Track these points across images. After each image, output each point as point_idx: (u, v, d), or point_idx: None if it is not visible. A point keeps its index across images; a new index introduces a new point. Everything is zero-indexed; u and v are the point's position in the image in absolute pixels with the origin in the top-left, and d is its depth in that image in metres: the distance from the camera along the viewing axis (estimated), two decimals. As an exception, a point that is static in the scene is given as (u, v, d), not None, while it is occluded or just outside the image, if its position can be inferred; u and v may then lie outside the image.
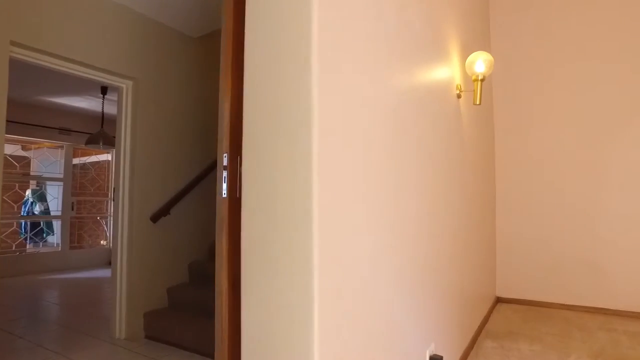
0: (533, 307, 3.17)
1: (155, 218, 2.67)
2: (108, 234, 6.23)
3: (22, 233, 5.77)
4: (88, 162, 6.33)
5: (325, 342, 0.82)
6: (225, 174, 1.10)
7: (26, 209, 5.89)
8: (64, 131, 5.47)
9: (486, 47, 3.25)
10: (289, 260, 0.81)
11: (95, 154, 6.35)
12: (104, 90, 4.40)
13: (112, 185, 6.23)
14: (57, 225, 5.78)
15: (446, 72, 1.98)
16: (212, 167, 3.03)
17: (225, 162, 1.11)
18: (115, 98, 4.55)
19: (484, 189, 2.92)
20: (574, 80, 3.12)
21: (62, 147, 5.63)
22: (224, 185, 1.10)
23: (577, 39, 3.12)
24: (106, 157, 6.42)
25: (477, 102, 2.11)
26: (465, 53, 2.37)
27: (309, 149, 0.81)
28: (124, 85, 2.63)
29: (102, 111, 4.69)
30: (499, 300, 3.36)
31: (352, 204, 0.97)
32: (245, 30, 1.01)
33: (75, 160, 5.98)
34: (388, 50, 1.24)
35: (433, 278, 1.62)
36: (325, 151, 0.85)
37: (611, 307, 2.89)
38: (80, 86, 4.37)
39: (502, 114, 3.43)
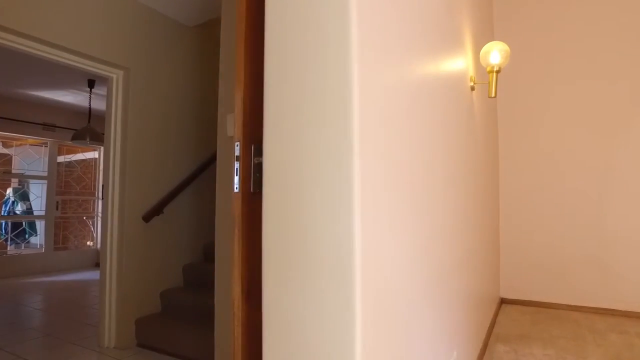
0: (539, 308, 3.10)
1: (147, 217, 2.50)
2: (95, 235, 5.98)
3: (2, 234, 5.49)
4: (74, 160, 6.07)
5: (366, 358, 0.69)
6: (237, 165, 0.96)
7: (7, 209, 5.61)
8: (48, 127, 5.22)
9: (490, 39, 3.17)
10: (326, 264, 0.68)
11: (82, 152, 6.09)
12: (91, 83, 4.19)
13: (99, 183, 5.98)
14: (40, 225, 5.52)
15: (462, 62, 1.87)
16: (208, 163, 2.87)
17: (237, 152, 0.97)
18: (103, 92, 4.35)
19: (490, 186, 2.83)
20: (578, 75, 3.06)
21: (46, 143, 5.38)
22: (236, 179, 0.96)
23: (581, 32, 3.06)
24: (93, 154, 6.16)
25: (493, 95, 2.01)
26: (475, 43, 2.27)
27: (349, 135, 0.68)
28: (114, 76, 2.46)
29: (89, 106, 4.48)
30: (503, 301, 3.28)
31: (392, 200, 0.84)
32: (266, 9, 0.87)
33: (60, 158, 5.72)
34: (419, 36, 1.11)
35: (456, 282, 1.51)
36: (366, 139, 0.72)
37: (620, 308, 2.83)
38: (65, 79, 4.15)
39: (505, 110, 3.35)
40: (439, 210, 1.28)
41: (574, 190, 3.04)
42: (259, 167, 0.98)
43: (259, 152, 0.99)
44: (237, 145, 0.97)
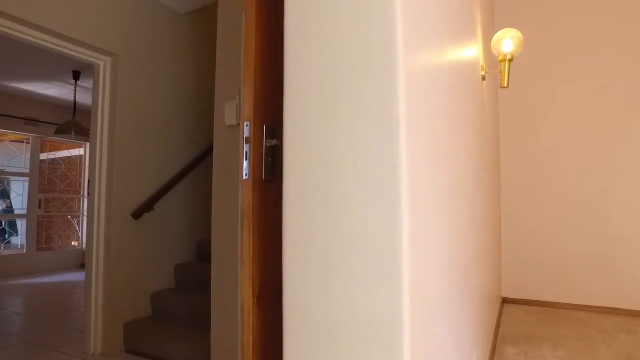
0: (542, 307, 3.04)
1: (136, 214, 2.35)
2: (80, 234, 5.75)
3: (-20, 234, 5.22)
4: (58, 157, 5.81)
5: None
6: (247, 148, 0.84)
7: (-14, 207, 5.34)
8: (30, 121, 4.98)
9: (492, 33, 3.09)
10: (367, 261, 0.56)
11: (67, 148, 5.84)
12: (77, 75, 3.99)
13: (85, 181, 5.75)
14: (21, 224, 5.26)
15: (476, 51, 1.77)
16: (204, 156, 2.73)
17: (247, 134, 0.84)
18: (89, 85, 4.15)
19: (494, 182, 2.75)
20: (579, 74, 3.00)
21: (28, 139, 5.13)
22: (245, 164, 0.84)
23: (582, 31, 3.00)
24: (78, 151, 5.91)
25: (505, 85, 1.92)
26: (485, 32, 2.18)
27: (396, 114, 0.57)
28: (101, 63, 2.30)
29: (74, 99, 4.26)
30: (504, 300, 3.21)
31: (434, 190, 0.73)
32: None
33: (44, 155, 5.47)
34: (449, 21, 1.01)
35: (474, 280, 1.41)
36: (412, 118, 0.61)
37: (624, 307, 2.78)
38: (49, 69, 3.94)
39: (507, 106, 3.28)
40: (462, 203, 1.17)
41: (576, 188, 2.99)
42: (271, 151, 0.86)
43: (272, 133, 0.87)
44: (246, 126, 0.85)
